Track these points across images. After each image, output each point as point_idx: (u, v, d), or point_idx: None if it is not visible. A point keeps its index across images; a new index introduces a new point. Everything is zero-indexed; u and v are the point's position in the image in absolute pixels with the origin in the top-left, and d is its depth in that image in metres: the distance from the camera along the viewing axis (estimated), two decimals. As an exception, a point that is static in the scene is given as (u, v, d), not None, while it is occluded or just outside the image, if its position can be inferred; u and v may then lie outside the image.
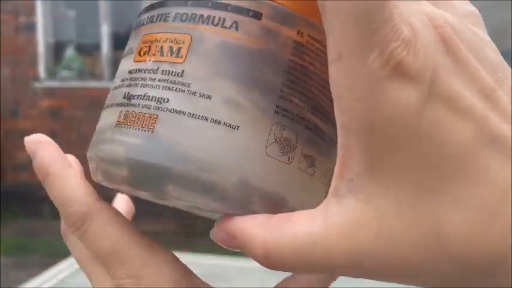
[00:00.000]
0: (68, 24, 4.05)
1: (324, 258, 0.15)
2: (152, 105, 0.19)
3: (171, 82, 0.19)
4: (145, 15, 0.22)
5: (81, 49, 3.94)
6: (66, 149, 0.26)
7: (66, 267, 1.01)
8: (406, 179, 0.15)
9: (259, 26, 0.19)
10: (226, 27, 0.19)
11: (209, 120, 0.19)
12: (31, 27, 3.81)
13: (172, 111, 0.19)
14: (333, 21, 0.15)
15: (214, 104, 0.19)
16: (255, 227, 0.17)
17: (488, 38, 0.17)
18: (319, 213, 0.16)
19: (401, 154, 0.15)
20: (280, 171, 0.19)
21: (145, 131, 0.19)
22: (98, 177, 0.22)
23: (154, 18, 0.21)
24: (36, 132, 0.28)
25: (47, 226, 3.65)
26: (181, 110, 0.19)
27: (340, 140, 0.16)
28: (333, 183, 0.16)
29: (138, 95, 0.20)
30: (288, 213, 0.17)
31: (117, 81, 0.21)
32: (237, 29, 0.19)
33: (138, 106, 0.19)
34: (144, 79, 0.20)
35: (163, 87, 0.19)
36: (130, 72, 0.20)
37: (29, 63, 3.84)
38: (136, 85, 0.20)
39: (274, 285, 0.26)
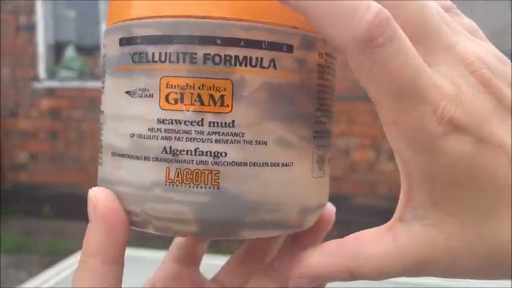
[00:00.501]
0: (68, 25, 4.05)
1: (396, 272, 0.19)
2: (209, 161, 0.19)
3: (223, 134, 0.19)
4: (156, 50, 0.19)
5: (81, 49, 3.94)
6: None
7: (66, 267, 1.01)
8: (467, 207, 0.18)
9: (293, 59, 0.20)
10: (265, 67, 0.19)
11: (269, 165, 0.19)
12: (31, 27, 3.82)
13: (233, 164, 0.19)
14: (380, 93, 0.18)
15: (270, 148, 0.19)
16: (330, 257, 0.20)
17: (497, 51, 0.19)
18: (387, 236, 0.20)
19: (461, 189, 0.18)
20: (320, 185, 0.22)
21: (209, 187, 0.19)
22: (147, 229, 0.21)
23: (174, 57, 0.19)
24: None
25: (47, 226, 3.65)
26: (241, 161, 0.19)
27: (403, 179, 0.20)
28: (398, 210, 0.20)
29: (187, 150, 0.19)
30: (354, 237, 0.21)
31: (133, 126, 0.20)
32: (275, 67, 0.19)
33: (192, 162, 0.19)
34: (188, 132, 0.19)
35: (216, 141, 0.19)
36: (161, 121, 0.19)
37: (29, 63, 3.84)
38: (179, 139, 0.19)
39: None
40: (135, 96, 0.20)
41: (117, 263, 0.20)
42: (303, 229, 0.22)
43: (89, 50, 3.93)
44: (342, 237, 0.21)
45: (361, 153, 3.54)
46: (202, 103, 0.19)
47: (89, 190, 0.22)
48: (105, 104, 0.22)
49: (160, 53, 0.19)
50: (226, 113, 0.19)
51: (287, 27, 0.19)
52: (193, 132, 0.19)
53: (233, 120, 0.19)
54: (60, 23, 4.00)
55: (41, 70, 3.84)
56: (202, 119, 0.19)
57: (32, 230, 3.53)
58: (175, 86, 0.19)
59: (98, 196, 0.21)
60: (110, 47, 0.21)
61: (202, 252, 0.28)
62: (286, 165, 0.20)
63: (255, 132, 0.19)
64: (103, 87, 0.22)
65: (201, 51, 0.18)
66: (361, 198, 3.56)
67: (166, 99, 0.19)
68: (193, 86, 0.19)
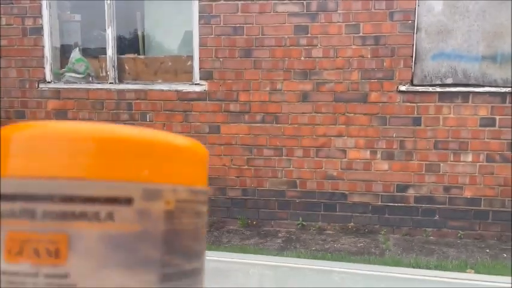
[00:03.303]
0: (73, 28, 4.12)
1: None
2: None
3: (57, 285, 0.19)
4: (5, 206, 0.20)
5: (86, 52, 4.02)
6: None
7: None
8: None
9: (132, 210, 0.20)
10: (101, 220, 0.20)
11: None
12: (37, 30, 3.90)
13: None
14: None
15: None
16: None
17: None
18: None
19: None
20: None
21: None
22: None
23: (18, 213, 0.20)
24: None
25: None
26: None
27: None
28: None
29: None
30: None
31: None
32: (112, 219, 0.20)
33: None
34: (24, 283, 0.20)
35: None
36: (4, 273, 0.20)
37: (35, 65, 3.93)
38: None
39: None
40: None
41: None
42: None
43: (94, 53, 4.01)
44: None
45: (357, 152, 3.62)
46: (38, 256, 0.20)
47: None
48: None
49: (8, 209, 0.20)
50: (61, 265, 0.19)
51: (127, 181, 0.20)
52: (29, 284, 0.20)
53: (67, 273, 0.19)
54: (66, 26, 4.08)
55: (47, 72, 3.92)
56: (37, 271, 0.20)
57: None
58: (16, 239, 0.20)
59: None
60: None
61: None
62: None
63: (91, 281, 0.20)
64: None
65: (40, 207, 0.20)
66: (357, 196, 3.64)
67: (9, 252, 0.20)
68: (31, 240, 0.20)
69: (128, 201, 0.20)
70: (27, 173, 0.20)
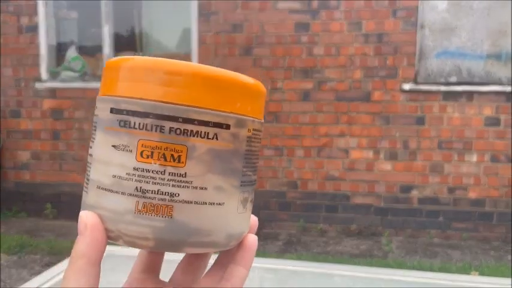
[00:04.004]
0: (69, 26, 4.07)
1: None
2: (167, 199, 0.27)
3: (178, 181, 0.27)
4: (137, 120, 0.28)
5: (82, 50, 3.96)
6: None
7: (68, 266, 1.03)
8: None
9: (229, 133, 0.29)
10: (210, 138, 0.28)
11: (207, 203, 0.28)
12: (33, 28, 3.84)
13: (182, 201, 0.28)
14: None
15: (210, 192, 0.28)
16: None
17: None
18: None
19: None
20: (243, 219, 0.31)
21: (165, 217, 0.28)
22: (119, 242, 0.29)
23: (149, 127, 0.27)
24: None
25: (49, 225, 3.68)
26: (189, 200, 0.28)
27: None
28: None
29: (152, 190, 0.27)
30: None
31: (115, 170, 0.28)
32: (217, 138, 0.28)
33: (154, 199, 0.27)
34: (154, 178, 0.27)
35: (173, 185, 0.27)
36: (136, 169, 0.27)
37: (31, 64, 3.86)
38: (147, 182, 0.27)
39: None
40: (118, 149, 0.28)
41: (97, 265, 0.28)
42: (228, 248, 0.31)
43: (91, 51, 3.95)
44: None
45: (360, 152, 3.55)
46: (165, 159, 0.27)
47: (81, 212, 0.29)
48: (95, 150, 0.30)
49: (139, 123, 0.27)
50: (181, 167, 0.28)
51: (227, 112, 0.28)
52: (157, 178, 0.27)
53: (185, 172, 0.28)
54: (62, 24, 4.02)
55: (43, 71, 3.86)
56: (164, 170, 0.27)
57: (33, 229, 3.55)
58: (147, 146, 0.27)
59: (89, 217, 0.29)
60: (102, 111, 0.30)
61: (160, 263, 0.36)
62: (219, 204, 0.29)
63: (200, 181, 0.28)
64: (94, 138, 0.30)
65: (167, 125, 0.27)
66: (359, 197, 3.58)
67: (141, 155, 0.27)
68: (160, 147, 0.27)
69: (227, 126, 0.28)
70: (157, 98, 0.27)
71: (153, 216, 0.27)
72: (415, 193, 3.51)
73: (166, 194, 0.27)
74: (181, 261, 0.36)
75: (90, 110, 3.79)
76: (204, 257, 0.36)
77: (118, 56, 0.30)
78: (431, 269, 2.84)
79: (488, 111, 3.39)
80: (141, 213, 0.27)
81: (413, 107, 3.45)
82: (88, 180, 0.30)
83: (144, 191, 0.27)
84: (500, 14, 3.37)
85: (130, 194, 0.27)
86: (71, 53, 3.90)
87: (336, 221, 3.60)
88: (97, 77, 3.90)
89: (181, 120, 0.27)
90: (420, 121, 3.45)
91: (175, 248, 0.29)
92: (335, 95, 3.52)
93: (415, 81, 3.46)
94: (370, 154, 3.53)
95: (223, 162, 0.29)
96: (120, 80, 0.29)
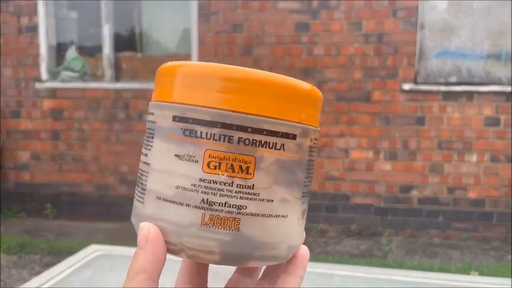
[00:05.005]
0: (69, 26, 4.06)
1: None
2: (234, 211, 0.27)
3: (246, 193, 0.27)
4: (204, 130, 0.26)
5: (82, 50, 3.96)
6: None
7: (68, 266, 1.04)
8: None
9: (294, 144, 0.28)
10: (277, 149, 0.27)
11: (273, 216, 0.28)
12: (33, 29, 3.83)
13: (250, 214, 0.27)
14: None
15: (275, 205, 0.28)
16: None
17: None
18: None
19: None
20: (301, 230, 0.31)
21: (232, 230, 0.27)
22: (180, 256, 0.28)
23: (217, 136, 0.26)
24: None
25: (49, 225, 3.68)
26: (256, 213, 0.27)
27: None
28: None
29: (219, 203, 0.26)
30: None
31: (179, 181, 0.27)
32: (283, 149, 0.27)
33: (222, 211, 0.26)
34: (221, 190, 0.26)
35: (240, 197, 0.27)
36: (202, 180, 0.26)
37: (31, 64, 3.86)
38: (214, 194, 0.26)
39: None
40: (183, 159, 0.27)
41: (156, 282, 0.27)
42: (285, 260, 0.30)
43: (91, 51, 3.94)
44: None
45: (360, 153, 3.55)
46: (233, 171, 0.26)
47: (141, 223, 0.28)
48: (153, 159, 0.28)
49: (206, 133, 0.26)
50: (249, 178, 0.27)
51: (294, 122, 0.28)
52: (225, 190, 0.26)
53: (253, 184, 0.27)
54: (62, 25, 4.01)
55: (43, 71, 3.86)
56: (232, 181, 0.26)
57: (33, 229, 3.55)
58: (215, 156, 0.26)
59: (150, 229, 0.27)
60: (161, 118, 0.28)
61: (206, 275, 0.35)
62: (283, 216, 0.28)
63: (267, 193, 0.27)
64: (151, 146, 0.29)
65: (236, 135, 0.26)
66: (359, 198, 3.58)
67: (208, 165, 0.26)
68: (228, 158, 0.26)
69: (293, 137, 0.28)
70: (224, 107, 0.26)
71: (220, 229, 0.26)
72: (415, 193, 3.51)
73: (234, 206, 0.26)
74: (232, 274, 0.35)
75: (90, 110, 3.79)
76: (255, 271, 0.35)
77: (171, 62, 0.29)
78: (431, 269, 2.84)
79: (488, 111, 3.39)
80: (207, 226, 0.26)
81: (413, 107, 3.45)
82: (144, 190, 0.28)
83: (210, 203, 0.26)
84: (500, 14, 3.37)
85: (196, 206, 0.26)
86: (71, 53, 3.89)
87: (336, 221, 3.60)
88: (97, 77, 3.90)
89: (250, 130, 0.26)
90: (420, 121, 3.45)
91: (240, 262, 0.28)
92: (335, 95, 3.52)
93: (415, 81, 3.46)
94: (370, 154, 3.53)
95: (288, 173, 0.28)
96: (181, 87, 0.27)
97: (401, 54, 3.44)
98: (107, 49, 3.80)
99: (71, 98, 3.83)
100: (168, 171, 0.27)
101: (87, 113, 3.80)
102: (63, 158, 3.85)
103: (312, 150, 0.30)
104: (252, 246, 0.27)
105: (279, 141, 0.27)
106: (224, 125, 0.26)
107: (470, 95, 3.40)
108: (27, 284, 0.96)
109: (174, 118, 0.27)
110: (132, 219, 0.30)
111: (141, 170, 0.29)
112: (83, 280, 0.98)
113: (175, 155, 0.27)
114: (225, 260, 0.27)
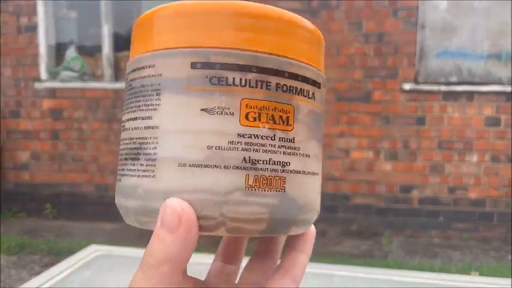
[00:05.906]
0: (69, 26, 4.06)
1: None
2: (279, 169, 0.23)
3: (288, 148, 0.23)
4: (237, 76, 0.22)
5: (82, 50, 3.95)
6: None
7: (68, 266, 1.03)
8: None
9: (320, 93, 0.26)
10: (310, 98, 0.25)
11: (311, 173, 0.25)
12: (32, 28, 3.83)
13: (293, 172, 0.24)
14: None
15: (311, 161, 0.25)
16: None
17: None
18: None
19: None
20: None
21: (278, 191, 0.23)
22: (217, 232, 0.23)
23: (253, 83, 0.22)
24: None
25: (48, 225, 3.67)
26: (298, 170, 0.24)
27: None
28: None
29: (263, 160, 0.23)
30: None
31: (211, 139, 0.22)
32: (314, 98, 0.25)
33: (266, 170, 0.23)
34: (264, 145, 0.23)
35: (283, 153, 0.23)
36: (241, 135, 0.22)
37: (30, 64, 3.86)
38: (257, 150, 0.23)
39: None
40: (213, 113, 0.22)
41: (182, 273, 0.22)
42: (309, 228, 0.28)
43: (90, 51, 3.94)
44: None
45: (360, 153, 3.55)
46: (274, 122, 0.23)
47: (169, 200, 0.22)
48: (165, 120, 0.23)
49: (240, 79, 0.22)
50: (290, 130, 0.24)
51: (318, 70, 0.25)
52: (268, 145, 0.23)
53: (294, 137, 0.24)
54: (62, 24, 4.01)
55: (42, 71, 3.85)
56: (274, 134, 0.23)
57: (33, 230, 3.55)
58: (253, 106, 0.23)
59: (184, 207, 0.21)
60: (172, 68, 0.23)
61: (243, 252, 0.31)
62: (317, 174, 0.26)
63: (305, 147, 0.24)
64: (156, 104, 0.23)
65: (274, 80, 0.23)
66: (359, 198, 3.57)
67: (246, 117, 0.22)
68: (268, 108, 0.23)
69: (319, 85, 0.25)
70: (259, 49, 0.23)
71: (267, 191, 0.23)
72: (415, 193, 3.50)
73: (279, 163, 0.23)
74: (250, 258, 0.31)
75: (90, 109, 3.79)
76: (274, 250, 0.30)
77: (167, 3, 0.24)
78: (431, 269, 2.84)
79: (488, 111, 3.38)
80: (253, 189, 0.22)
81: (413, 107, 3.45)
82: (154, 160, 0.23)
83: (254, 162, 0.22)
84: (500, 14, 3.36)
85: (237, 167, 0.22)
86: (71, 52, 3.89)
87: (336, 221, 3.59)
88: (97, 77, 3.90)
89: (287, 75, 0.23)
90: (420, 121, 3.45)
91: (284, 229, 0.24)
92: (335, 95, 3.52)
93: (416, 81, 3.45)
94: (370, 154, 3.53)
95: (318, 126, 0.25)
96: (199, 28, 0.23)
97: (402, 54, 3.44)
98: (107, 49, 3.80)
99: (71, 97, 3.82)
100: (194, 130, 0.22)
101: (86, 113, 3.80)
102: (63, 158, 3.84)
103: (324, 102, 0.27)
104: (296, 208, 0.24)
105: (311, 89, 0.24)
106: (260, 69, 0.22)
107: (470, 95, 3.39)
108: (26, 284, 0.95)
109: (194, 65, 0.22)
110: (120, 200, 0.24)
111: (140, 138, 0.24)
112: (82, 280, 0.98)
113: (201, 110, 0.22)
114: (270, 229, 0.23)
